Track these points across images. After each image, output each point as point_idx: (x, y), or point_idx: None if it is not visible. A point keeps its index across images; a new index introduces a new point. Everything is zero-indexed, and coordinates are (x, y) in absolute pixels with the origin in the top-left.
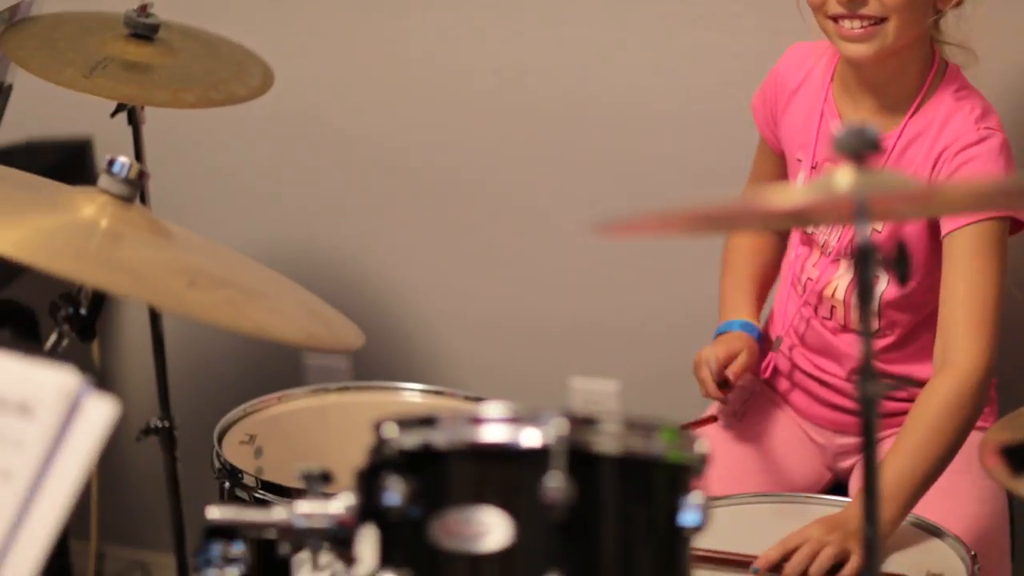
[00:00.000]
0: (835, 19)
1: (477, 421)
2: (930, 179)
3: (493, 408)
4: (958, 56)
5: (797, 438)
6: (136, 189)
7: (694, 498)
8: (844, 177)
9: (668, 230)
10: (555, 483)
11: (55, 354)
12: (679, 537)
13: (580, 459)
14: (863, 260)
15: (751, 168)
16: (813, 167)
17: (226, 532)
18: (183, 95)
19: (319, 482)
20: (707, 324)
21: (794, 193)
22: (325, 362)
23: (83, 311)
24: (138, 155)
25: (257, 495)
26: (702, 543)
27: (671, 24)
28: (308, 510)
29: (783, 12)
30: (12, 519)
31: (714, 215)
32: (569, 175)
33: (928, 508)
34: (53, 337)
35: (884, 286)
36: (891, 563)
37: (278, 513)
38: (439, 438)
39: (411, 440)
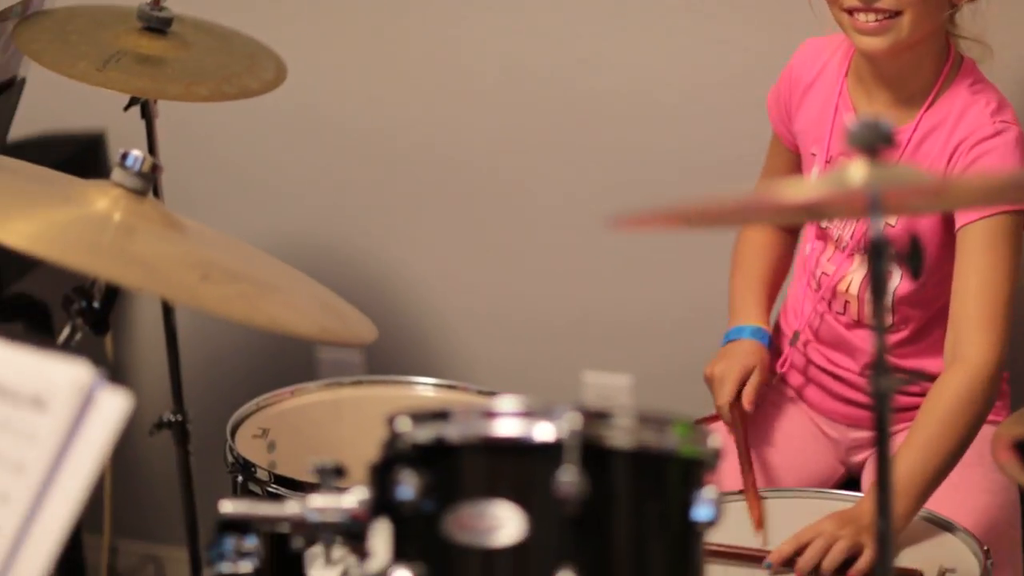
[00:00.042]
0: (850, 12)
1: (490, 415)
2: (946, 173)
3: (506, 402)
4: (973, 50)
5: (810, 432)
6: (149, 182)
7: (707, 493)
8: (857, 171)
9: (681, 224)
10: (568, 477)
11: (68, 348)
12: (692, 531)
13: (593, 453)
14: (876, 254)
15: (764, 164)
16: (828, 161)
17: (239, 526)
18: (196, 89)
19: (332, 476)
20: (719, 318)
21: (807, 187)
22: (338, 356)
23: (96, 305)
24: (151, 149)
25: (270, 489)
26: (715, 538)
27: (681, 18)
28: (321, 504)
29: (793, 5)
30: (25, 512)
31: (727, 209)
32: (582, 170)
33: (939, 500)
34: (66, 331)
35: (897, 281)
36: (903, 558)
37: (291, 507)
38: (452, 432)
39: (424, 434)
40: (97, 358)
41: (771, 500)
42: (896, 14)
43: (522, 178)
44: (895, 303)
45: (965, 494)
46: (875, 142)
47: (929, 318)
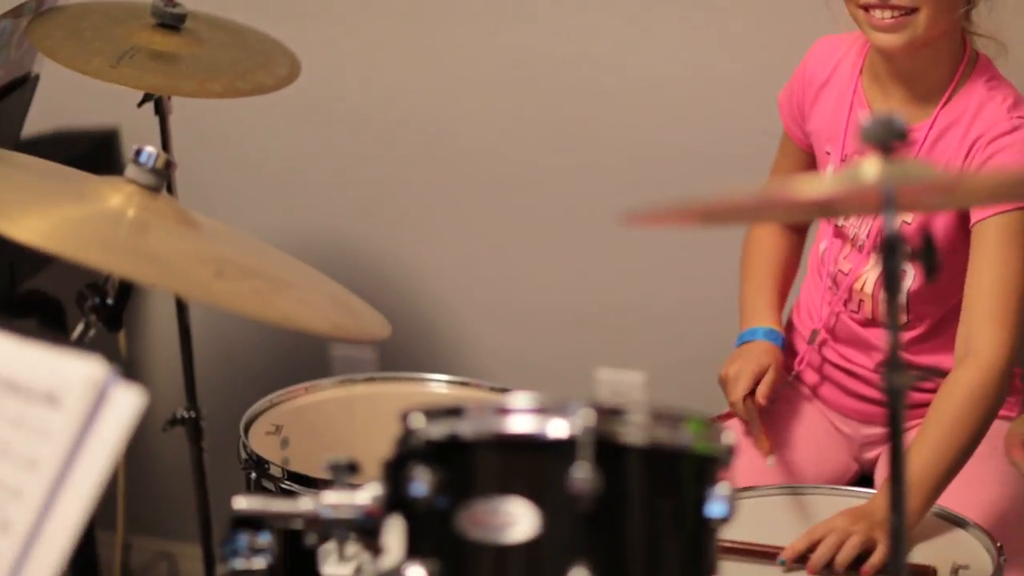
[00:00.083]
0: (866, 9)
1: (504, 412)
2: (963, 169)
3: (520, 399)
4: (989, 47)
5: (824, 430)
6: (163, 179)
7: (721, 489)
8: (871, 167)
9: (695, 221)
10: (582, 474)
11: (82, 344)
12: (706, 528)
13: (607, 450)
14: (890, 250)
15: (773, 162)
16: (843, 160)
17: (253, 522)
18: (210, 85)
19: (346, 472)
20: (733, 313)
21: (821, 183)
22: (351, 353)
23: (110, 301)
24: (165, 145)
25: (283, 485)
26: (728, 534)
27: (695, 15)
28: (335, 500)
29: (807, 3)
30: (39, 509)
31: (741, 206)
32: (596, 166)
33: (950, 494)
34: (80, 327)
35: (912, 278)
36: (916, 554)
37: (305, 503)
38: (466, 428)
39: (438, 430)
40: (111, 355)
41: (785, 497)
42: (912, 11)
43: (535, 175)
44: (910, 300)
45: (977, 487)
46: (889, 138)
47: (944, 314)
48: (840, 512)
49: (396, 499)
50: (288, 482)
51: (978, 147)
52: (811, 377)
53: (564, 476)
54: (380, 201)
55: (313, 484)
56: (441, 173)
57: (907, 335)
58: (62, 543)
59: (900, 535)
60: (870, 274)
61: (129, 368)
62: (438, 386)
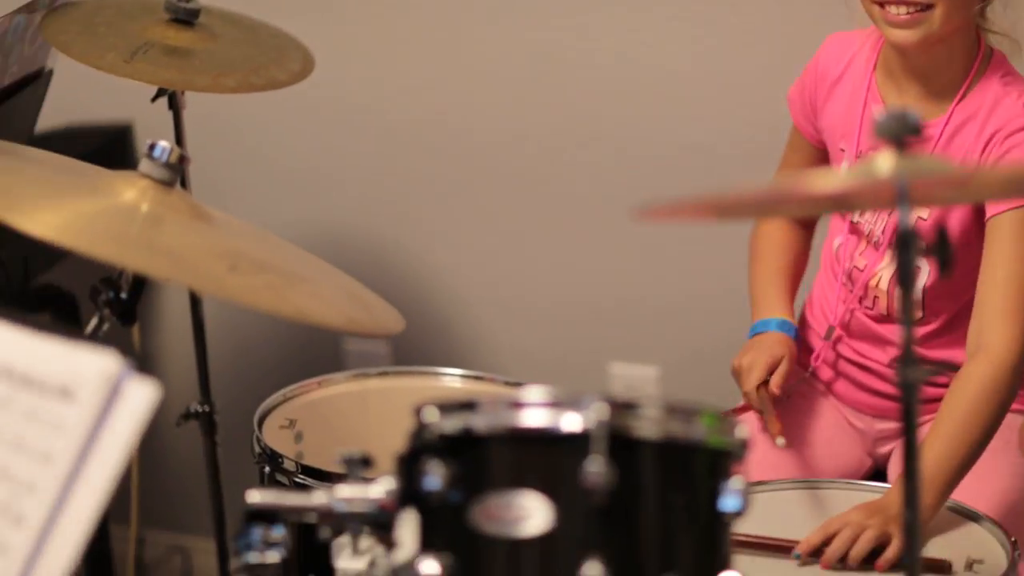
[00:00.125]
0: (882, 4)
1: (517, 406)
2: (979, 164)
3: (533, 393)
4: (1003, 44)
5: (838, 425)
6: (177, 173)
7: (734, 483)
8: (885, 162)
9: (707, 216)
10: (595, 468)
11: (96, 338)
12: (719, 522)
13: (620, 444)
14: (904, 246)
15: (782, 158)
16: (858, 156)
17: (266, 516)
18: (224, 80)
19: (359, 466)
20: (746, 307)
21: (835, 178)
22: (365, 347)
23: (124, 295)
24: (178, 140)
25: (297, 480)
26: (743, 528)
27: (711, 9)
28: (349, 494)
29: None
30: (53, 503)
31: (754, 201)
32: (609, 160)
33: (963, 487)
34: (94, 321)
35: (927, 274)
36: (930, 548)
37: (318, 497)
38: (479, 422)
39: (451, 424)
40: (124, 349)
41: (800, 491)
42: (928, 7)
43: (549, 168)
44: (925, 296)
45: (990, 481)
46: (902, 133)
47: (959, 309)
48: (855, 506)
49: (410, 493)
50: (302, 476)
51: (994, 143)
52: (825, 373)
53: (578, 470)
54: (394, 196)
55: (327, 478)
56: (455, 168)
57: (922, 330)
58: (76, 537)
59: (914, 530)
60: (885, 270)
61: (143, 362)
62: (452, 380)
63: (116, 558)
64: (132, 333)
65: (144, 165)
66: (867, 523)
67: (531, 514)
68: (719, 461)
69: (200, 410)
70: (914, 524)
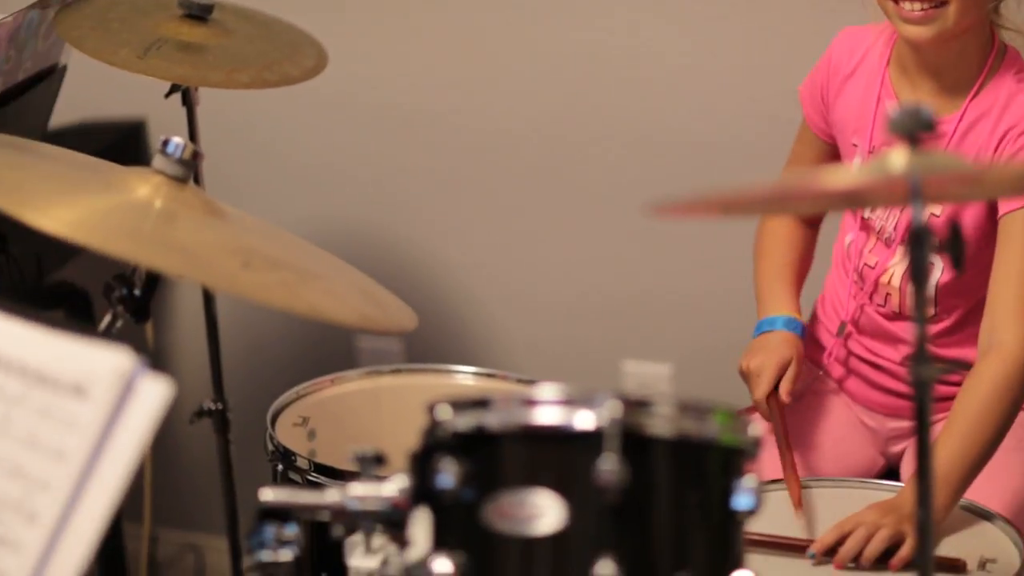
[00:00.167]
0: (895, 0)
1: (530, 403)
2: (993, 161)
3: (546, 390)
4: (1016, 41)
5: (850, 424)
6: (190, 169)
7: (747, 481)
8: (898, 158)
9: (720, 212)
10: (608, 466)
11: (109, 335)
12: (732, 520)
13: (634, 442)
14: (917, 243)
15: (790, 153)
16: (870, 151)
17: (279, 514)
18: (237, 76)
19: (372, 464)
20: None
21: (848, 174)
22: (378, 344)
23: (137, 292)
24: (192, 136)
25: (310, 477)
26: (756, 527)
27: (723, 4)
28: (361, 492)
29: None
30: (66, 500)
31: (768, 196)
32: (622, 157)
33: (976, 486)
34: (107, 318)
35: (940, 271)
36: (943, 547)
37: (331, 495)
38: (492, 420)
39: (464, 422)
40: (138, 346)
41: (813, 490)
42: (942, 4)
43: (562, 165)
44: (938, 293)
45: (1003, 480)
46: (916, 129)
47: (972, 307)
48: (869, 505)
49: (422, 491)
50: (315, 474)
51: (1008, 139)
52: (837, 370)
53: (591, 468)
54: (407, 192)
55: (340, 476)
56: (469, 165)
57: (934, 328)
58: (89, 535)
59: (927, 529)
60: (897, 267)
61: (156, 359)
62: (465, 378)
63: (129, 556)
64: (145, 330)
65: (157, 161)
66: (881, 522)
67: (544, 512)
68: (732, 459)
69: (213, 408)
70: (927, 523)
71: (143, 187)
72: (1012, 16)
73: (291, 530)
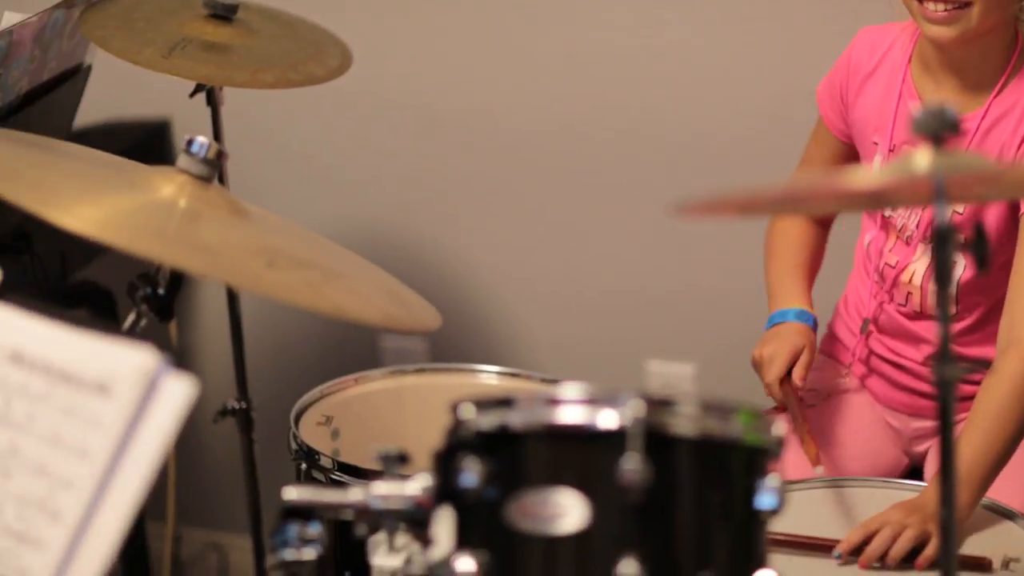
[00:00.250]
0: (920, 0)
1: (554, 402)
2: (1016, 159)
3: (570, 389)
4: None
5: (874, 423)
6: (215, 169)
7: (771, 481)
8: (922, 158)
9: (743, 212)
10: (632, 465)
11: (133, 334)
12: (756, 520)
13: (657, 441)
14: (941, 243)
15: (805, 151)
16: (891, 150)
17: (303, 513)
18: (262, 76)
19: (396, 463)
20: None
21: (872, 175)
22: (402, 344)
23: (161, 291)
24: (216, 135)
25: (334, 476)
26: (778, 527)
27: (745, 3)
28: (385, 491)
29: None
30: (89, 499)
31: (790, 196)
32: (646, 155)
33: (997, 485)
34: (131, 317)
35: (962, 269)
36: (967, 546)
37: (355, 494)
38: (516, 419)
39: (488, 421)
40: (162, 345)
41: (838, 489)
42: (966, 5)
43: (585, 164)
44: (959, 291)
45: (1021, 474)
46: (941, 130)
47: (993, 305)
48: (893, 505)
49: (446, 490)
50: (338, 473)
51: None
52: (859, 370)
53: (614, 467)
54: (431, 192)
55: (363, 475)
56: (492, 164)
57: (956, 326)
58: (112, 534)
59: (951, 528)
60: (918, 266)
61: (180, 358)
62: (488, 377)
63: (152, 555)
64: (169, 329)
65: (182, 161)
66: (907, 522)
67: (567, 511)
68: (755, 459)
69: (237, 407)
70: (950, 523)
71: (168, 186)
72: None
73: (314, 529)
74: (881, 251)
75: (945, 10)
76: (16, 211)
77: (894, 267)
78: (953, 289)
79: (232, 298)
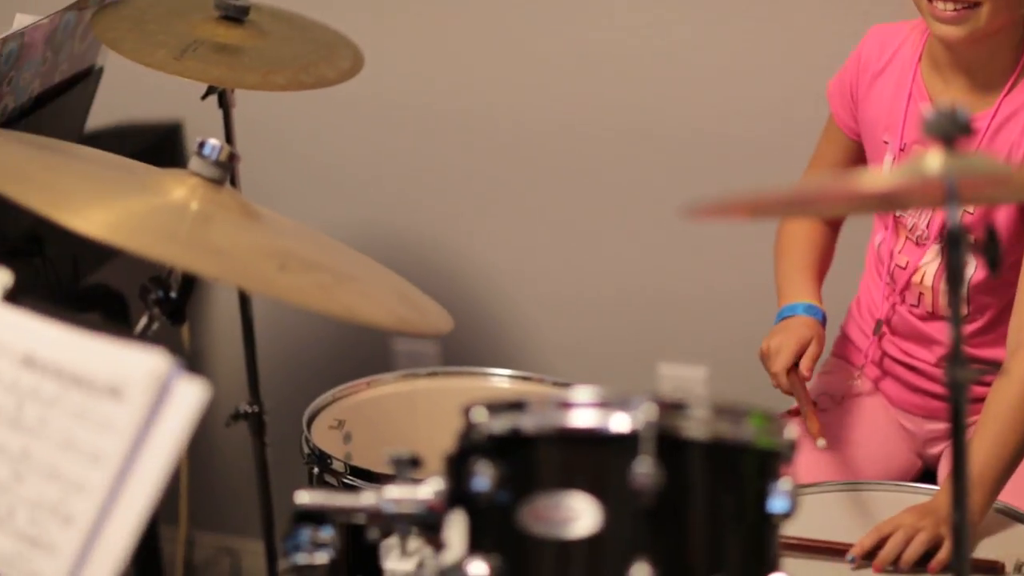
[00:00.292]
0: None
1: (566, 406)
2: None
3: (582, 393)
4: None
5: (888, 426)
6: (226, 171)
7: (783, 484)
8: (934, 160)
9: (754, 214)
10: (644, 469)
11: (145, 338)
12: (768, 523)
13: (669, 444)
14: (953, 245)
15: (815, 151)
16: (901, 149)
17: (315, 517)
18: (273, 78)
19: (408, 467)
20: None
21: (884, 177)
22: (414, 347)
23: (173, 294)
24: (228, 138)
25: (346, 480)
26: (794, 531)
27: (752, 3)
28: (397, 495)
29: None
30: (102, 503)
31: (803, 198)
32: (657, 158)
33: (1008, 489)
34: (143, 321)
35: (973, 269)
36: (980, 550)
37: (367, 498)
38: (528, 423)
39: (500, 425)
40: (174, 348)
41: (851, 493)
42: (975, 5)
43: (595, 166)
44: (970, 292)
45: None
46: (952, 131)
47: (1004, 306)
48: (906, 509)
49: (458, 494)
50: (350, 477)
51: None
52: (872, 372)
53: (626, 471)
54: (443, 195)
55: (375, 479)
56: (504, 167)
57: (968, 328)
58: (125, 538)
59: (963, 531)
60: (929, 266)
61: (192, 362)
62: (500, 381)
63: (165, 559)
64: (181, 333)
65: (194, 163)
66: (920, 525)
67: (579, 515)
68: (768, 462)
69: (249, 410)
70: (963, 526)
71: (179, 189)
72: None
73: (327, 533)
74: (891, 252)
75: (954, 10)
76: (28, 214)
77: (905, 268)
78: (964, 290)
79: (244, 301)
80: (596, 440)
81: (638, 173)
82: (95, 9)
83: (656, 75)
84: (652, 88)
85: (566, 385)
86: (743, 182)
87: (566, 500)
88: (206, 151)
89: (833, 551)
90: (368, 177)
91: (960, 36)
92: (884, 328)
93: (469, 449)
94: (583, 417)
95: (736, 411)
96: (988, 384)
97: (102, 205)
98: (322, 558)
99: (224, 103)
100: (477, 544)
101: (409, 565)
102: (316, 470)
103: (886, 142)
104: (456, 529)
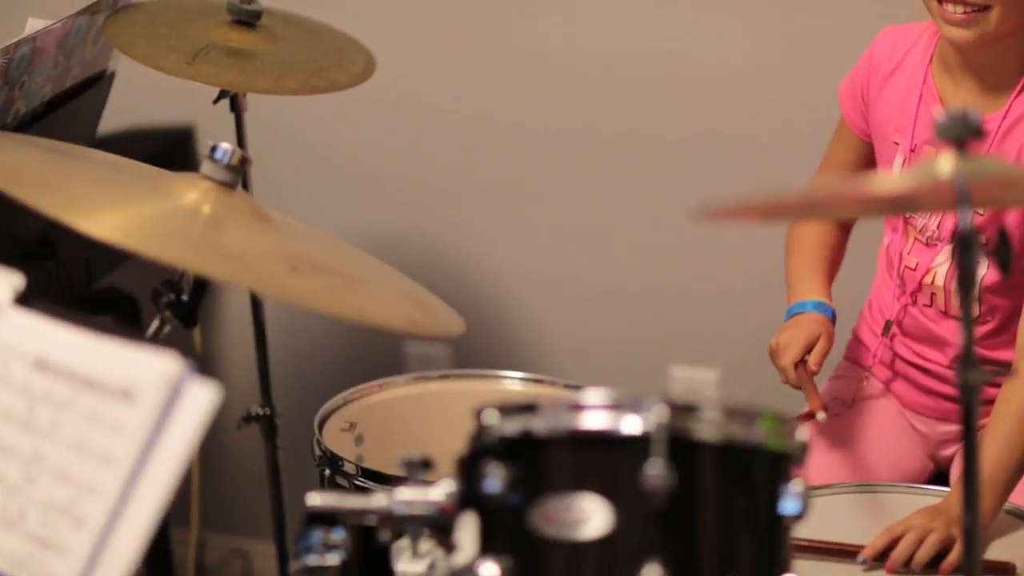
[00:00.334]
0: (940, 1)
1: (577, 408)
2: None
3: (593, 395)
4: None
5: (900, 428)
6: (238, 175)
7: (794, 486)
8: (946, 163)
9: (766, 217)
10: (655, 470)
11: (157, 340)
12: (779, 525)
13: (680, 446)
14: (965, 247)
15: (826, 152)
16: (912, 150)
17: (326, 519)
18: (285, 82)
19: (419, 469)
20: None
21: (895, 180)
22: (426, 350)
23: (185, 297)
24: (240, 142)
25: (357, 482)
26: (802, 532)
27: (762, 4)
28: (408, 497)
29: None
30: (113, 505)
31: (815, 201)
32: (668, 160)
33: (1019, 490)
34: (155, 323)
35: (984, 270)
36: (991, 551)
37: (378, 500)
38: (539, 425)
39: (511, 427)
40: (185, 351)
41: (863, 495)
42: (985, 8)
43: (608, 170)
44: (982, 293)
45: None
46: (964, 134)
47: (1016, 307)
48: (918, 510)
49: (469, 496)
50: (362, 479)
51: None
52: (884, 374)
53: (637, 472)
54: (454, 198)
55: (387, 481)
56: (515, 170)
57: (980, 329)
58: (136, 539)
59: (974, 533)
60: (940, 267)
61: (204, 364)
62: (512, 383)
63: (176, 561)
64: (193, 335)
65: (206, 167)
66: (931, 527)
67: (591, 517)
68: (779, 464)
69: (261, 413)
70: (974, 528)
71: (191, 193)
72: None
73: (338, 535)
74: (901, 254)
75: (964, 12)
76: (40, 218)
77: (915, 269)
78: (976, 291)
79: (256, 304)
80: (608, 442)
81: (650, 176)
82: (107, 13)
83: (668, 78)
84: (666, 90)
85: (577, 387)
86: (756, 184)
87: (577, 502)
88: (218, 155)
89: (844, 553)
90: (379, 180)
91: (970, 39)
92: (895, 329)
93: (481, 451)
94: (595, 419)
95: (748, 413)
96: (999, 385)
97: (114, 209)
98: (333, 560)
99: (236, 107)
100: (488, 546)
101: (420, 567)
102: (328, 472)
103: (896, 143)
104: (468, 531)
